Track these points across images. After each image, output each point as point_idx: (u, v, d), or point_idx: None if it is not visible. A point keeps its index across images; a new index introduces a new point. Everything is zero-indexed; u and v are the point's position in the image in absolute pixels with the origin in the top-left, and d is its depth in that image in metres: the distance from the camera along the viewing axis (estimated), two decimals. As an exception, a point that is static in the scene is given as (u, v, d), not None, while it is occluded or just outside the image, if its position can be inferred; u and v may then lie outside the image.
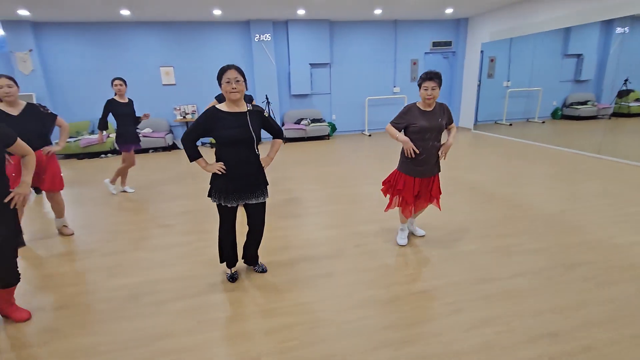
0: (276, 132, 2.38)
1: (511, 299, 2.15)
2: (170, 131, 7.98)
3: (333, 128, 8.81)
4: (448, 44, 8.93)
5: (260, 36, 7.79)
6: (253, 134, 2.13)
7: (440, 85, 2.43)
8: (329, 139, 8.42)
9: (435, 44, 8.86)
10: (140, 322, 2.07)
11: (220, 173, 2.13)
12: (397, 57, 8.81)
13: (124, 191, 4.72)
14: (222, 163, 2.14)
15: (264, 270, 2.59)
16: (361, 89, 8.76)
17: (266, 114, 2.30)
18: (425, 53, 8.96)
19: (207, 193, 2.25)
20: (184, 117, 7.91)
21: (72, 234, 3.40)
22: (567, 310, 2.02)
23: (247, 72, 8.03)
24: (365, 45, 8.58)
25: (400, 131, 2.60)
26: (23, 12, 6.20)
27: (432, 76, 2.40)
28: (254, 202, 2.26)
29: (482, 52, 8.67)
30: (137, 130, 4.58)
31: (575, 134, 7.26)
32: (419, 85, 2.48)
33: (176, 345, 1.86)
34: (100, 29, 7.34)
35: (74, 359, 1.80)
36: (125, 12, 6.52)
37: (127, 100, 4.39)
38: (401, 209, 2.79)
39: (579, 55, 7.42)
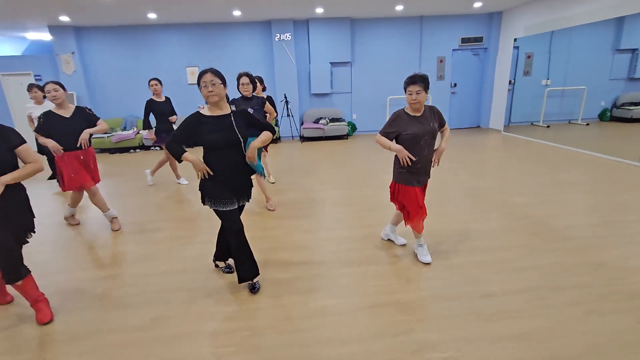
0: (263, 127, 2.28)
1: (475, 322, 1.96)
2: (195, 129, 8.31)
3: (353, 128, 8.67)
4: (479, 39, 8.40)
5: (280, 36, 7.85)
6: (239, 135, 2.09)
7: (425, 89, 2.29)
8: (347, 138, 8.30)
9: (464, 40, 8.37)
10: (110, 313, 2.18)
11: (204, 176, 2.10)
12: (422, 54, 8.45)
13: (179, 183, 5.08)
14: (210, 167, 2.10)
15: (231, 271, 2.59)
16: (383, 87, 8.52)
17: (250, 110, 2.28)
18: (454, 50, 8.50)
19: (200, 200, 2.20)
20: (207, 115, 8.21)
21: (78, 224, 3.66)
22: (535, 340, 1.80)
23: (268, 71, 8.15)
24: (389, 42, 8.32)
25: (391, 140, 2.43)
26: (64, 18, 6.77)
27: (416, 80, 2.27)
28: (242, 203, 2.28)
29: (517, 47, 8.07)
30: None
31: (621, 139, 6.52)
32: (405, 90, 2.35)
33: (119, 340, 1.93)
34: (131, 32, 7.82)
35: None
36: (152, 15, 6.88)
37: (164, 99, 4.65)
38: (412, 224, 2.54)
39: (633, 50, 6.64)
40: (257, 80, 3.77)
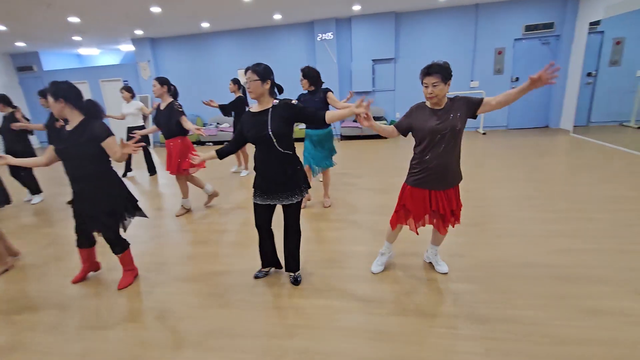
0: (307, 118, 2.09)
1: (350, 337, 1.86)
2: (244, 126, 9.02)
3: (396, 127, 8.33)
4: (548, 26, 7.22)
5: (322, 35, 7.96)
6: (269, 131, 2.01)
7: (444, 79, 1.95)
8: (386, 138, 8.01)
9: (529, 28, 7.30)
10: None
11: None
12: (477, 46, 7.64)
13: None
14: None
15: (295, 281, 2.42)
16: (429, 84, 7.97)
17: (294, 101, 2.13)
18: (516, 40, 7.48)
19: None
20: (254, 114, 8.83)
21: (184, 213, 4.00)
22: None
23: (310, 71, 8.33)
24: (438, 35, 7.74)
25: (403, 133, 2.18)
26: (139, 32, 8.01)
27: (433, 70, 1.95)
28: (285, 203, 2.19)
29: (600, 32, 6.75)
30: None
31: None
32: (421, 82, 2.05)
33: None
34: (192, 40, 8.82)
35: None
36: (205, 25, 7.67)
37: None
38: (391, 224, 2.35)
39: None
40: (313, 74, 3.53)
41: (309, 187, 2.28)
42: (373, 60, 8.01)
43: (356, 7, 6.95)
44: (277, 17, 7.32)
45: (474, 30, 7.58)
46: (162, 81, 3.51)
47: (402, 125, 2.16)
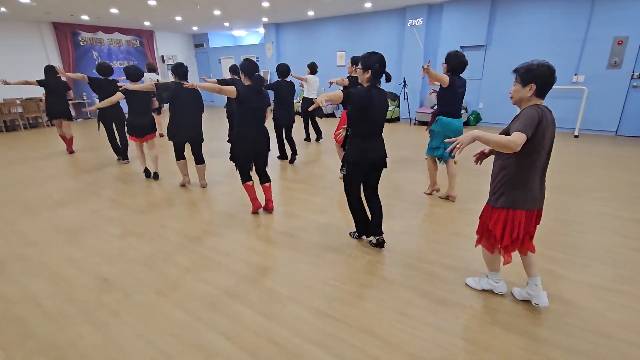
0: None
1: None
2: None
3: (477, 118, 8.04)
4: (699, 9, 5.56)
5: (412, 21, 8.20)
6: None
7: (524, 82, 1.78)
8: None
9: (667, 12, 5.79)
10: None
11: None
12: (588, 34, 6.52)
13: None
14: None
15: (378, 243, 2.70)
16: (520, 75, 7.28)
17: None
18: (647, 27, 6.04)
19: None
20: (343, 92, 9.88)
21: None
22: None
23: (397, 56, 8.76)
24: (540, 21, 6.94)
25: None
26: (265, 19, 10.01)
27: (516, 69, 1.84)
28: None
29: None
30: None
31: None
32: None
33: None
34: (303, 26, 10.36)
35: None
36: (310, 13, 9.01)
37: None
38: (505, 252, 1.99)
39: None
40: None
41: None
42: (461, 46, 7.81)
43: (440, -6, 6.99)
44: (367, 5, 8.00)
45: (588, 16, 6.47)
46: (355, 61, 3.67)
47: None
